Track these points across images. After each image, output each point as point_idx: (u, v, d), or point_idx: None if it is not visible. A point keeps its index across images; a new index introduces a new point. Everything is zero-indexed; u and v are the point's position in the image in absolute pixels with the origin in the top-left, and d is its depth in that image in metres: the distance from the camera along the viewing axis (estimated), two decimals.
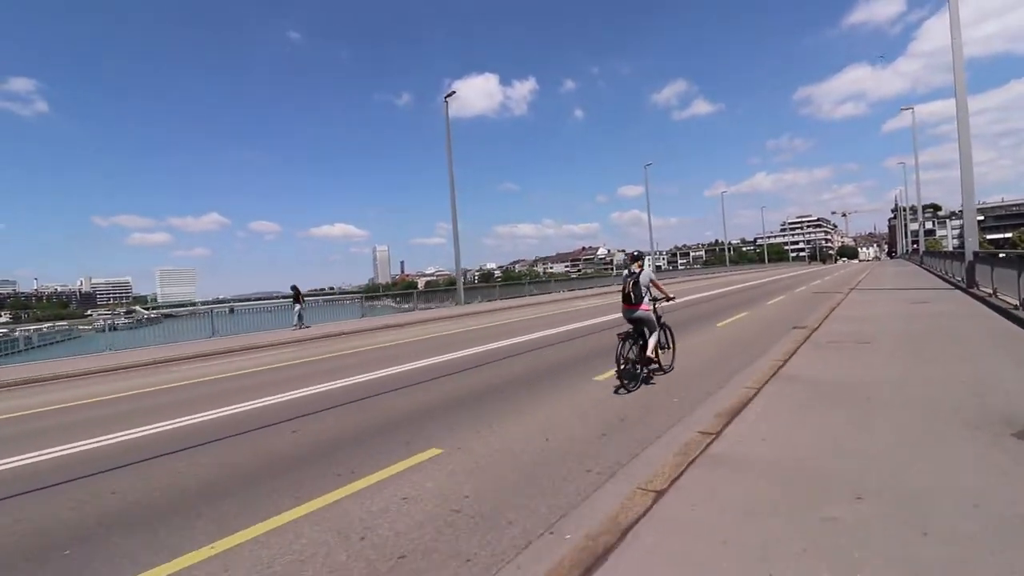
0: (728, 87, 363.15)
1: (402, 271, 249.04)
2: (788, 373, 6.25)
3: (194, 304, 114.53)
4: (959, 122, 14.00)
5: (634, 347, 6.38)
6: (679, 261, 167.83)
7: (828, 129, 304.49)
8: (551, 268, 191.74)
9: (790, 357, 7.21)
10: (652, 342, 6.52)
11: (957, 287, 15.39)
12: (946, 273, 21.80)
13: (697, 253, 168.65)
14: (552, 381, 7.15)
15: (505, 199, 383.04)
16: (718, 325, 12.19)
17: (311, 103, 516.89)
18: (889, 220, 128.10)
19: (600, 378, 7.03)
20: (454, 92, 26.33)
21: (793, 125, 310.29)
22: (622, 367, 6.20)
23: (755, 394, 5.37)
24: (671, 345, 7.49)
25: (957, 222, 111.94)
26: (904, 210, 72.72)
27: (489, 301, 30.52)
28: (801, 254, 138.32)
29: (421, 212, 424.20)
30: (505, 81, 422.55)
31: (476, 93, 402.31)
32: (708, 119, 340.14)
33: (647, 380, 6.59)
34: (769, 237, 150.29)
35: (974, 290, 13.86)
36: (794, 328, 10.79)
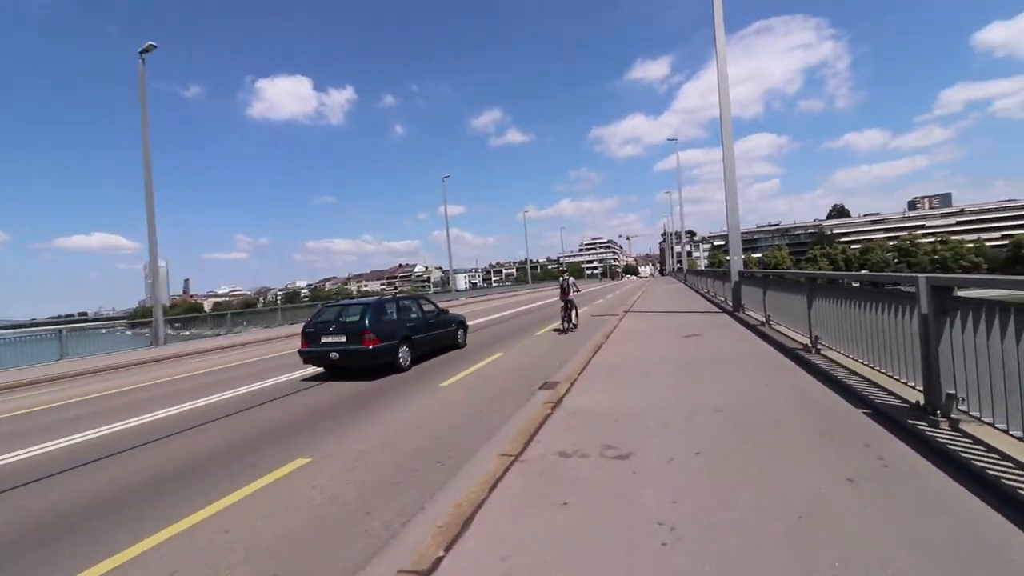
0: (538, 121, 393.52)
1: (185, 290, 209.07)
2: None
3: None
4: (725, 160, 12.82)
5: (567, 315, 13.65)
6: (493, 278, 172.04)
7: (615, 165, 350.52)
8: (366, 286, 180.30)
9: (494, 486, 2.90)
10: (577, 313, 13.99)
11: (724, 310, 13.94)
12: (707, 291, 21.85)
13: (509, 270, 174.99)
14: None
15: (321, 212, 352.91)
16: (442, 385, 7.91)
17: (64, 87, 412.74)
18: (660, 243, 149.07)
19: None
20: (153, 46, 18.69)
21: (589, 159, 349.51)
22: (565, 324, 13.55)
23: None
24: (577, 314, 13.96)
25: (706, 245, 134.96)
26: (671, 235, 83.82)
27: (258, 328, 22.92)
28: (595, 271, 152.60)
29: (216, 220, 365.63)
30: (320, 87, 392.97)
31: (286, 95, 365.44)
32: (521, 147, 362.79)
33: (574, 328, 13.30)
34: (570, 256, 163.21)
35: (740, 314, 12.20)
36: (541, 388, 6.97)
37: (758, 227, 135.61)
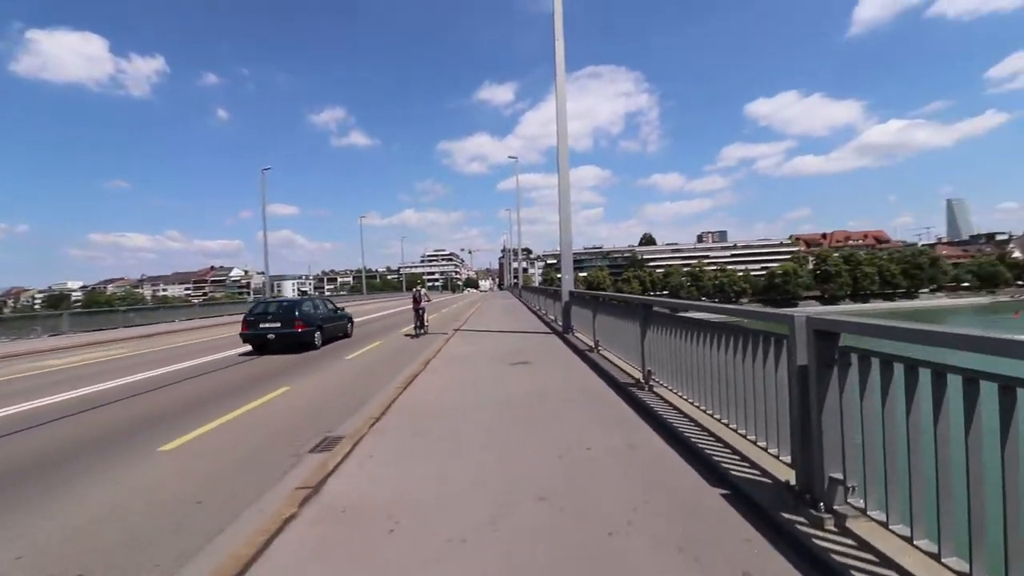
0: (385, 126, 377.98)
1: None
2: None
3: None
4: (560, 180, 12.24)
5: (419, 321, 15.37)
6: (327, 286, 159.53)
7: (462, 180, 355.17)
8: (164, 290, 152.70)
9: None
10: (426, 318, 15.77)
11: (554, 330, 13.28)
12: (539, 308, 21.66)
13: (345, 279, 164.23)
14: None
15: (111, 200, 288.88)
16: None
17: None
18: (500, 258, 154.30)
19: None
20: None
21: (437, 172, 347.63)
22: (417, 330, 15.22)
23: None
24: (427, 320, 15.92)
25: (541, 263, 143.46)
26: (509, 251, 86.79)
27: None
28: (436, 283, 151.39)
29: None
30: (119, 51, 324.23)
31: (70, 54, 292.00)
32: (365, 151, 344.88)
33: (424, 332, 15.13)
34: (411, 267, 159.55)
35: (570, 336, 11.54)
36: (313, 451, 4.88)
37: (585, 248, 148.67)
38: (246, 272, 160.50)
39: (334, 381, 8.67)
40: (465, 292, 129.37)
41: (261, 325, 12.74)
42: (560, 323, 13.69)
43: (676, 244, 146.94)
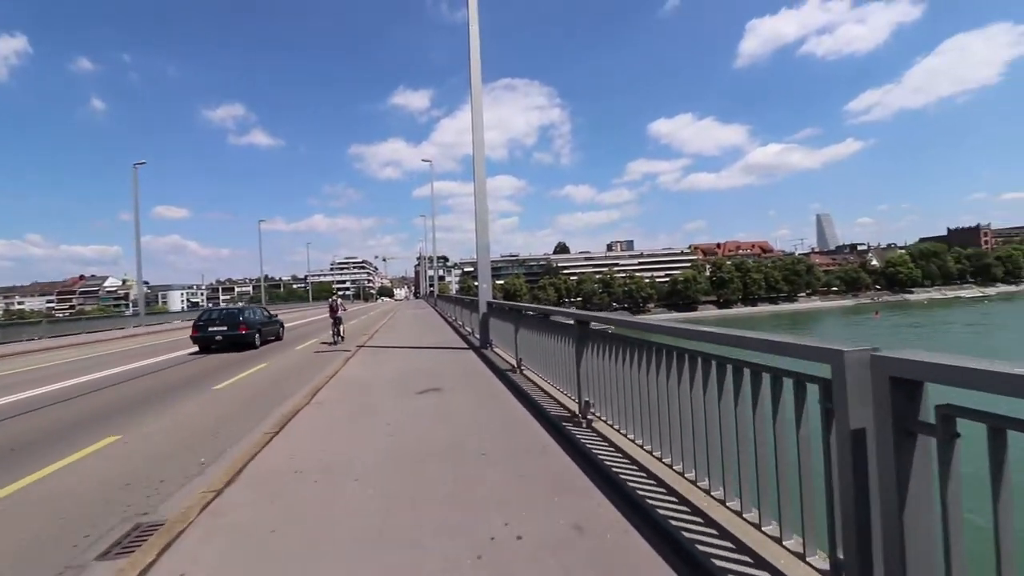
0: (290, 126, 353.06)
1: None
2: None
3: None
4: (476, 183, 10.97)
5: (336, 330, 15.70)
6: (222, 297, 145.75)
7: (376, 185, 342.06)
8: (21, 304, 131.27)
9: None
10: (342, 328, 15.92)
11: (471, 345, 11.98)
12: (455, 319, 20.25)
13: (244, 288, 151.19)
14: None
15: None
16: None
17: None
18: (415, 266, 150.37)
19: None
20: None
21: (348, 176, 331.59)
22: (334, 339, 15.52)
23: None
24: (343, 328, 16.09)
25: (458, 271, 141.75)
26: (424, 259, 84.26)
27: None
28: (348, 292, 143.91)
29: None
30: None
31: None
32: (268, 152, 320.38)
33: (341, 340, 15.41)
34: (319, 276, 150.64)
35: (489, 352, 10.31)
36: (101, 557, 3.17)
37: (502, 256, 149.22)
38: (124, 282, 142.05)
39: (191, 422, 6.71)
40: (379, 301, 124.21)
41: (210, 328, 15.13)
42: (478, 336, 12.43)
43: (589, 252, 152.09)
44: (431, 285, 63.38)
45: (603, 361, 4.35)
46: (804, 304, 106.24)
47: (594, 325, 4.68)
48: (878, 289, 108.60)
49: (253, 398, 8.09)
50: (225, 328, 14.99)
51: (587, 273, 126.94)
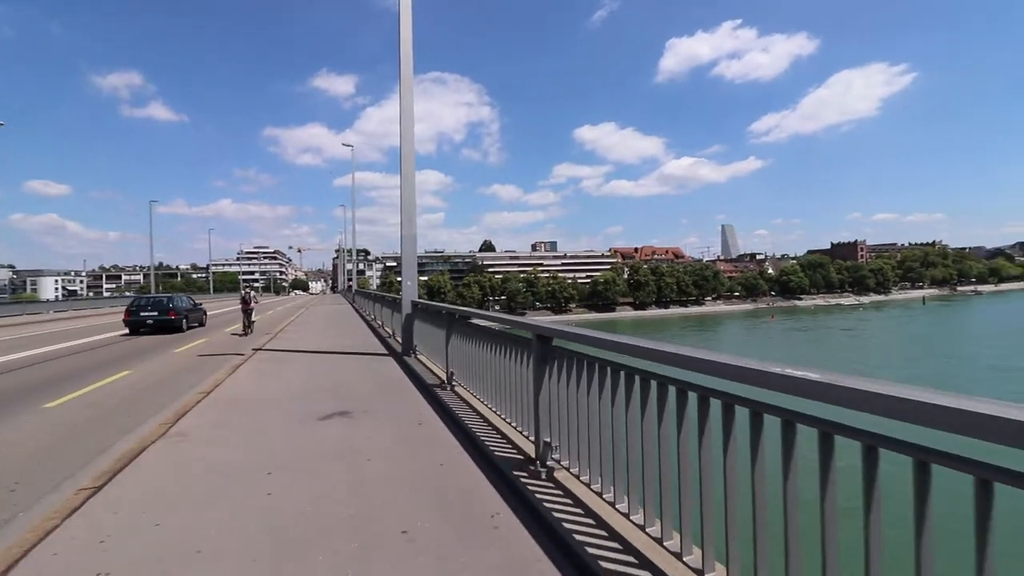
0: (195, 101, 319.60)
1: None
2: None
3: None
4: (403, 169, 9.40)
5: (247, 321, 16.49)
6: (106, 285, 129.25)
7: (292, 171, 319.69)
8: None
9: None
10: (252, 320, 16.65)
11: (391, 350, 10.43)
12: (374, 318, 18.38)
13: (133, 277, 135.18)
14: None
15: None
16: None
17: None
18: (333, 259, 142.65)
19: None
20: None
21: (262, 160, 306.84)
22: (245, 330, 16.24)
23: None
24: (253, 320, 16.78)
25: (380, 265, 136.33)
26: (344, 251, 79.54)
27: None
28: (256, 284, 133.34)
29: None
30: None
31: None
32: (169, 127, 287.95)
33: (251, 332, 16.06)
34: (224, 265, 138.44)
35: (412, 360, 8.88)
36: None
37: (426, 252, 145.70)
38: None
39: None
40: (292, 295, 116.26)
41: (142, 313, 17.04)
42: (400, 340, 10.92)
43: (514, 251, 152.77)
44: (350, 279, 59.55)
45: (571, 391, 3.20)
46: (710, 308, 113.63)
47: (557, 342, 3.51)
48: (773, 295, 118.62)
49: (88, 426, 6.08)
50: (156, 313, 17.10)
51: (512, 272, 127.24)
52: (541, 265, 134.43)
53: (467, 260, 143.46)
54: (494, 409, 5.05)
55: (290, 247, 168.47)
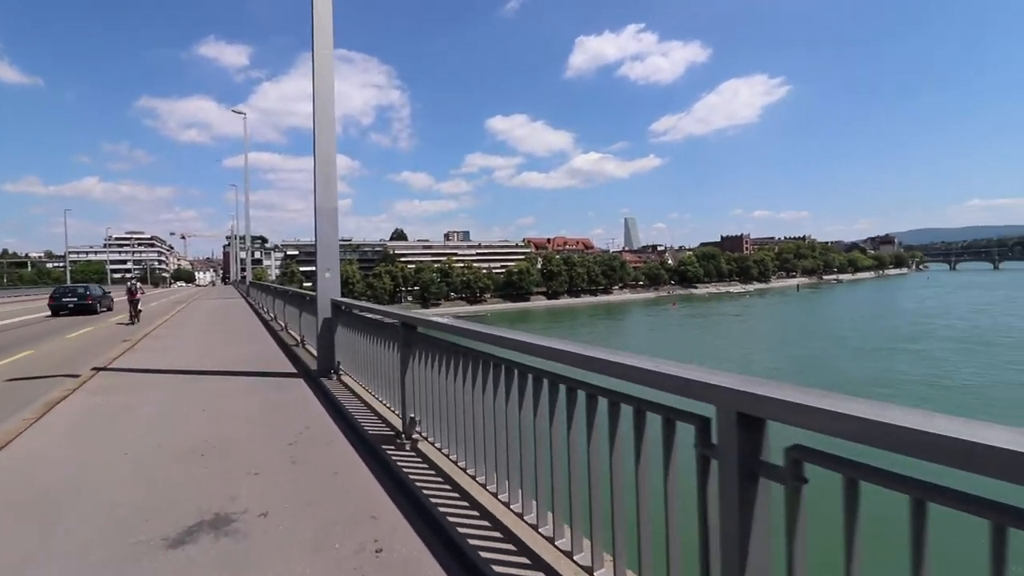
0: (52, 63, 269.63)
1: None
2: None
3: None
4: (317, 115, 6.59)
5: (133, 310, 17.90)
6: None
7: (174, 149, 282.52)
8: None
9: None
10: (138, 310, 18.05)
11: (301, 370, 7.52)
12: (275, 316, 14.83)
13: None
14: None
15: None
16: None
17: None
18: (224, 247, 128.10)
19: None
20: None
21: (136, 134, 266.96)
22: (131, 320, 17.43)
23: None
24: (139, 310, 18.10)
25: (280, 254, 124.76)
26: (236, 238, 70.45)
27: None
28: (129, 275, 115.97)
29: None
30: None
31: None
32: (18, 91, 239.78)
33: (137, 321, 17.25)
34: (87, 253, 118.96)
35: (334, 384, 6.16)
36: None
37: None
38: None
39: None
40: (174, 287, 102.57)
41: (64, 299, 21.84)
42: (313, 350, 8.06)
43: (427, 241, 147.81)
44: (244, 270, 52.24)
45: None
46: (618, 296, 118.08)
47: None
48: (672, 284, 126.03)
49: None
50: (76, 299, 21.81)
51: (425, 262, 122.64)
52: (455, 255, 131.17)
53: (377, 249, 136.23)
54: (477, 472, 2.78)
55: (172, 233, 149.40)
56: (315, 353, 7.41)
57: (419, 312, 6.38)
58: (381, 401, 5.04)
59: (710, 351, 44.05)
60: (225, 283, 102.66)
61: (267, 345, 10.39)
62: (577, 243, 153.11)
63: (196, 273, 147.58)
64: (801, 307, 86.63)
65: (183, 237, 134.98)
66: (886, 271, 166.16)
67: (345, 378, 6.33)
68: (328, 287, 6.68)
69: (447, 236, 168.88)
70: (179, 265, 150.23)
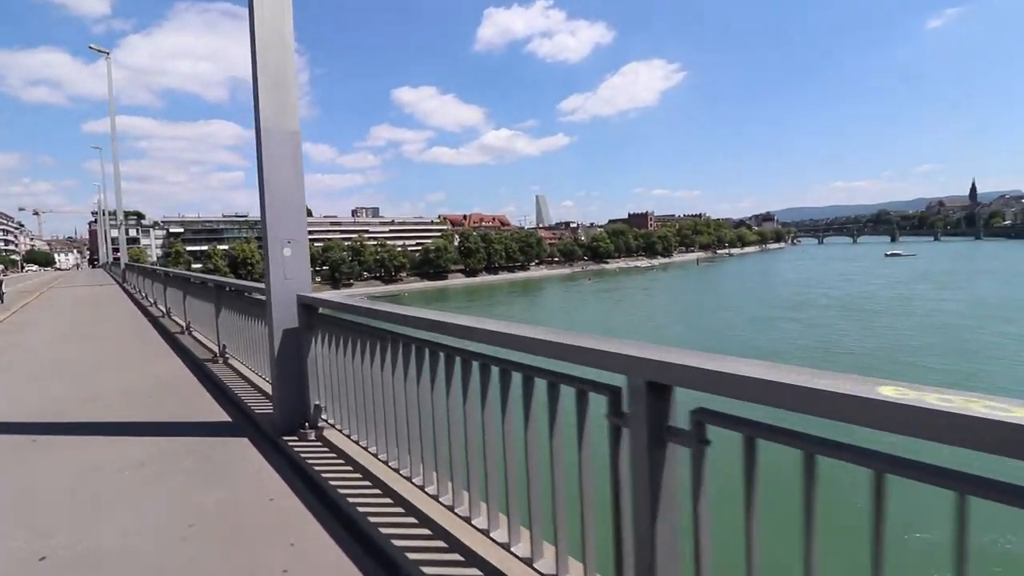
0: None
1: None
2: None
3: None
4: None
5: None
6: None
7: (19, 110, 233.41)
8: None
9: None
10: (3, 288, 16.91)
11: (246, 418, 4.50)
12: (168, 308, 10.89)
13: None
14: None
15: None
16: None
17: None
18: (90, 224, 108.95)
19: None
20: None
21: None
22: None
23: None
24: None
25: (161, 231, 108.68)
26: (105, 213, 58.68)
27: None
28: None
29: None
30: None
31: None
32: None
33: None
34: None
35: (304, 446, 3.41)
36: None
37: (224, 216, 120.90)
38: None
39: None
40: (25, 271, 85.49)
41: None
42: (267, 386, 5.03)
43: (335, 217, 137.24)
44: (116, 250, 43.16)
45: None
46: (535, 272, 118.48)
47: None
48: (586, 260, 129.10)
49: None
50: None
51: (334, 240, 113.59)
52: (367, 232, 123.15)
53: None
54: None
55: (21, 209, 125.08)
56: (266, 381, 4.44)
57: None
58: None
59: (625, 325, 44.73)
60: (93, 266, 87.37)
61: (167, 359, 6.90)
62: (493, 220, 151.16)
63: (56, 255, 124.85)
64: (702, 280, 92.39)
65: (36, 213, 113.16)
66: (768, 245, 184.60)
67: (332, 431, 3.56)
68: (295, 278, 3.74)
69: (355, 212, 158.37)
70: (32, 246, 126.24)
